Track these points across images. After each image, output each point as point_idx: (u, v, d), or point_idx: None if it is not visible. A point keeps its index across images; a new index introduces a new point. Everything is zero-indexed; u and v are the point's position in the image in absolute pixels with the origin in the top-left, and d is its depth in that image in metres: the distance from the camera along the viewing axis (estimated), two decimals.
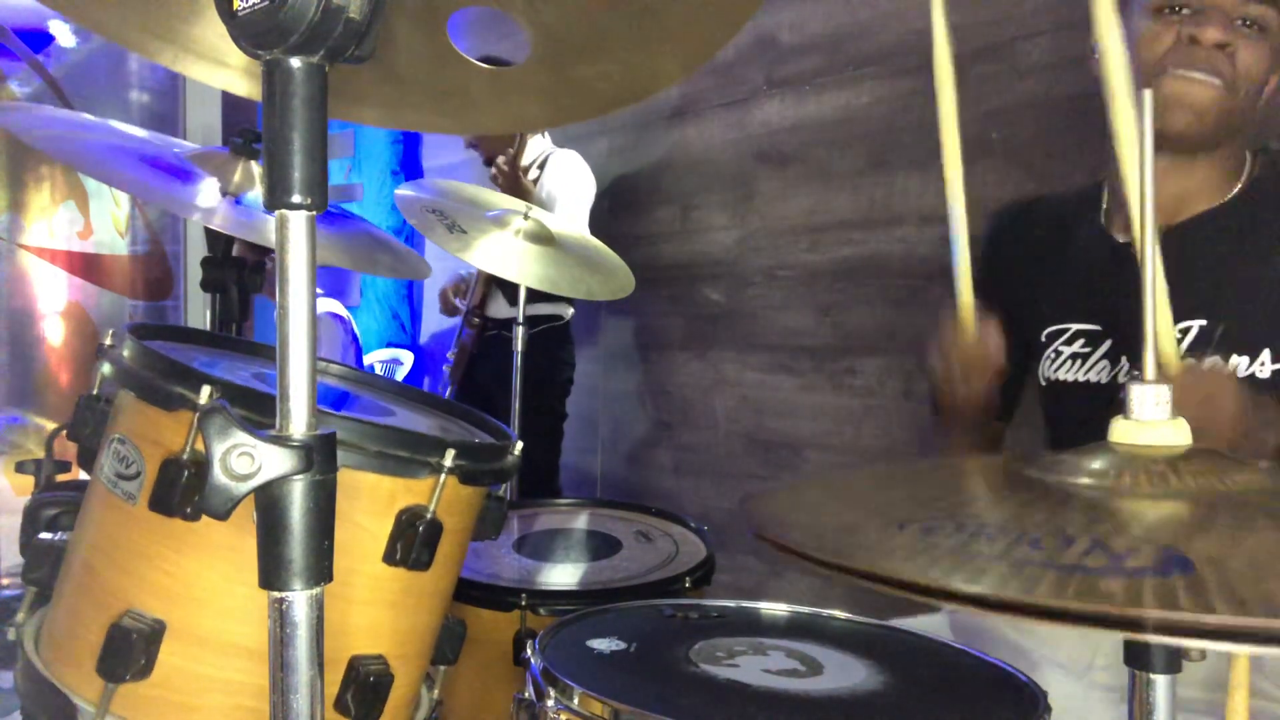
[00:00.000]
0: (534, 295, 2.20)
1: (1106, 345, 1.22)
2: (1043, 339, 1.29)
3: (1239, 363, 1.12)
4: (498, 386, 2.77)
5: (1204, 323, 1.13)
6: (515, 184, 2.54)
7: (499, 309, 2.90)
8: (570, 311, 2.92)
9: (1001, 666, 0.91)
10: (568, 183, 2.75)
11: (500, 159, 2.71)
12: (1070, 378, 1.25)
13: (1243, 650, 0.63)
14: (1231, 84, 1.12)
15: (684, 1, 0.74)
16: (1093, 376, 1.23)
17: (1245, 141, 1.20)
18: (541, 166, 2.75)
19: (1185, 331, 1.14)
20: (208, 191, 1.35)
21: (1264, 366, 1.11)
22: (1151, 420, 0.64)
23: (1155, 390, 0.64)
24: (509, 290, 2.80)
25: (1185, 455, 0.62)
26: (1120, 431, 0.65)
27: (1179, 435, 0.64)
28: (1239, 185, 1.19)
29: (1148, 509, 0.59)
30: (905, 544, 0.55)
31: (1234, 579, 0.47)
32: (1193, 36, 1.11)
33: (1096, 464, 0.63)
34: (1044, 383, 1.30)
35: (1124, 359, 1.20)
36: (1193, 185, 1.18)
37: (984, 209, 1.46)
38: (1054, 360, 1.27)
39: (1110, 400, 1.19)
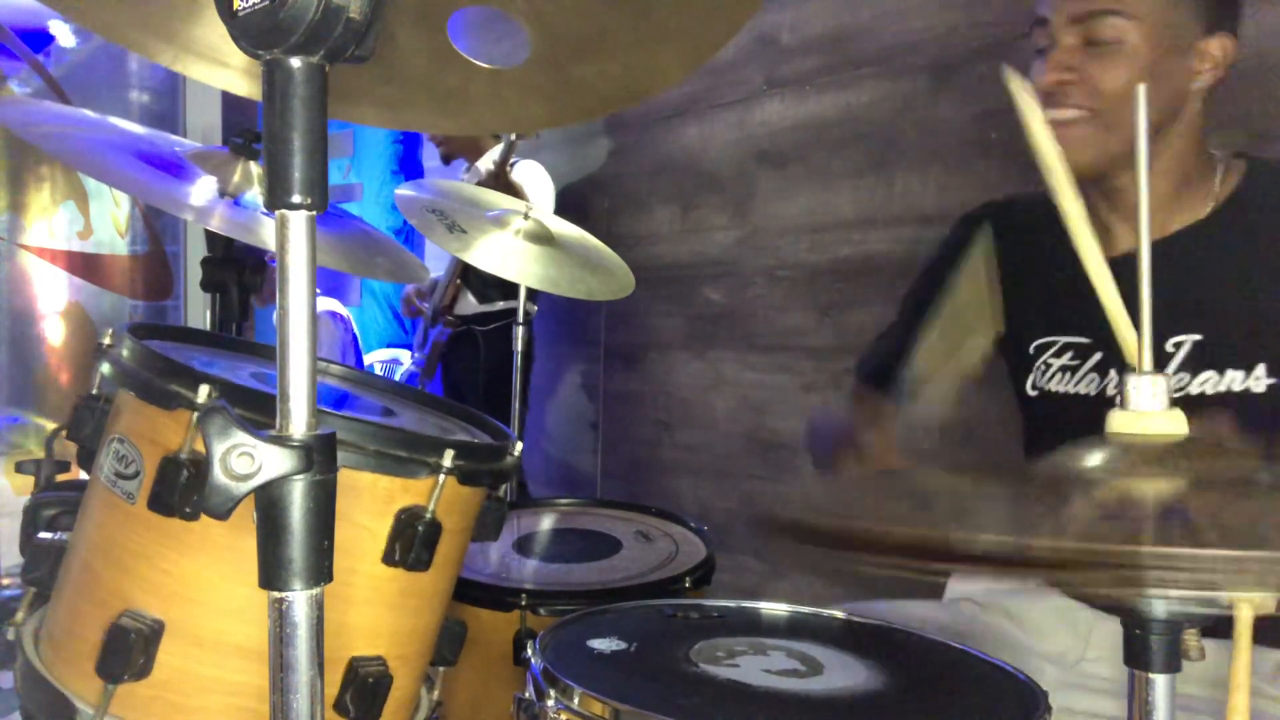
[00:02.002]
0: (497, 291, 2.24)
1: (1096, 358, 1.22)
2: (1030, 351, 1.29)
3: (1234, 377, 1.11)
4: (467, 382, 2.86)
5: (1198, 337, 1.12)
6: (507, 186, 2.59)
7: (465, 306, 2.99)
8: (534, 307, 2.99)
9: (1001, 666, 0.91)
10: (538, 189, 2.87)
11: (487, 162, 2.85)
12: (1060, 389, 1.25)
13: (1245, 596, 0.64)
14: (1090, 106, 1.14)
15: (684, 2, 0.74)
16: (1081, 389, 1.23)
17: (1198, 148, 1.19)
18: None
19: (1179, 345, 1.13)
20: (206, 192, 1.34)
21: (1259, 380, 1.10)
22: (1148, 411, 0.64)
23: (1151, 381, 0.64)
24: (476, 288, 2.89)
25: (1182, 444, 0.63)
26: (1117, 422, 0.65)
27: (1175, 425, 0.64)
28: (1215, 196, 1.17)
29: (1146, 485, 0.60)
30: (906, 507, 0.55)
31: (1230, 526, 0.47)
32: (1036, 83, 1.16)
33: (1095, 453, 0.64)
34: (1032, 393, 1.29)
35: (1112, 371, 1.20)
36: (1168, 201, 1.17)
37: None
38: (1044, 372, 1.28)
39: (1097, 412, 1.20)
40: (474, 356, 2.89)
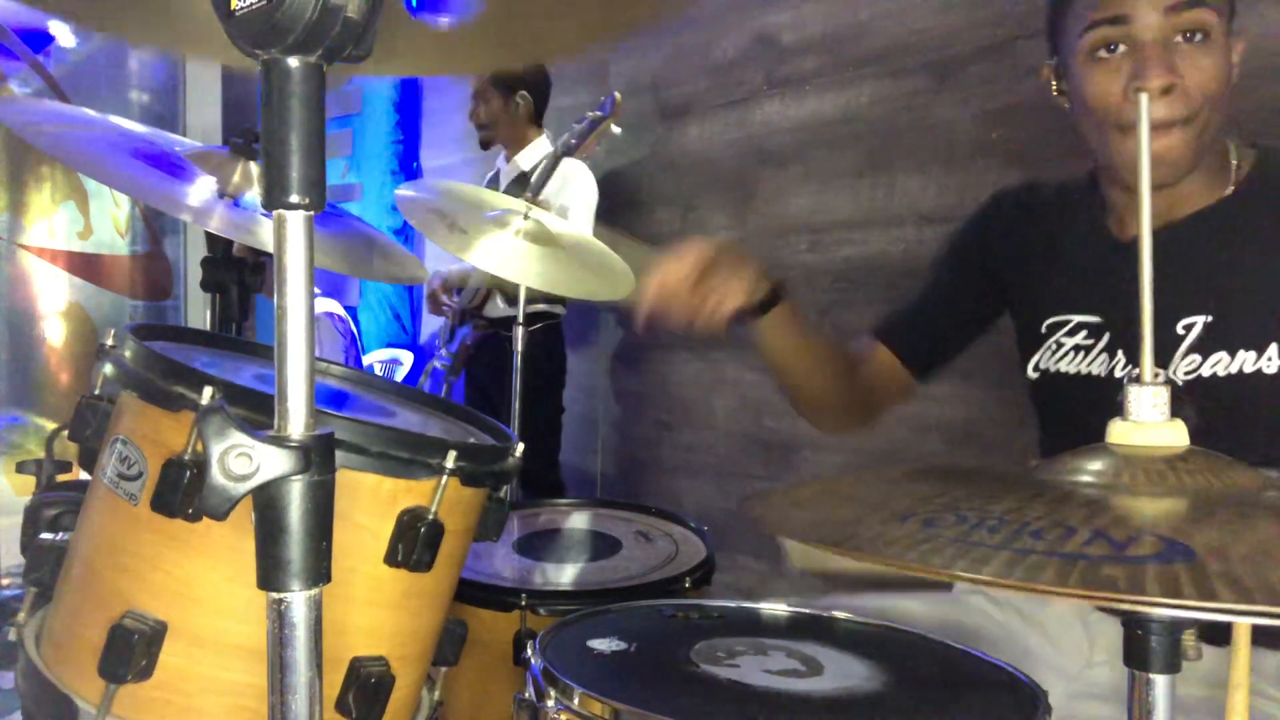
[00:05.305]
0: (531, 293, 2.21)
1: (1106, 338, 1.22)
2: (1043, 329, 1.29)
3: (1245, 358, 1.12)
4: (495, 386, 2.81)
5: (1208, 319, 1.13)
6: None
7: (493, 308, 2.94)
8: (562, 309, 2.95)
9: (1002, 666, 0.91)
10: (579, 195, 2.80)
11: (530, 158, 2.88)
12: (1071, 369, 1.25)
13: (1244, 620, 0.64)
14: (1190, 110, 1.10)
15: None
16: (1093, 370, 1.23)
17: (1223, 132, 1.19)
18: (547, 173, 2.75)
19: (1189, 328, 1.14)
20: (205, 192, 1.34)
21: (1271, 361, 1.10)
22: (1149, 421, 0.64)
23: (1153, 391, 0.64)
24: (509, 290, 2.84)
25: (1183, 456, 0.63)
26: (1118, 433, 0.65)
27: (1176, 436, 0.64)
28: (1232, 181, 1.18)
29: (1147, 504, 0.59)
30: (908, 535, 0.56)
31: (1235, 567, 0.47)
32: (1138, 88, 1.08)
33: (1095, 464, 0.64)
34: (1035, 374, 1.30)
35: (1120, 352, 1.21)
36: (1181, 187, 1.17)
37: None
38: (1055, 351, 1.27)
39: (1106, 393, 1.20)
40: (502, 362, 2.81)
